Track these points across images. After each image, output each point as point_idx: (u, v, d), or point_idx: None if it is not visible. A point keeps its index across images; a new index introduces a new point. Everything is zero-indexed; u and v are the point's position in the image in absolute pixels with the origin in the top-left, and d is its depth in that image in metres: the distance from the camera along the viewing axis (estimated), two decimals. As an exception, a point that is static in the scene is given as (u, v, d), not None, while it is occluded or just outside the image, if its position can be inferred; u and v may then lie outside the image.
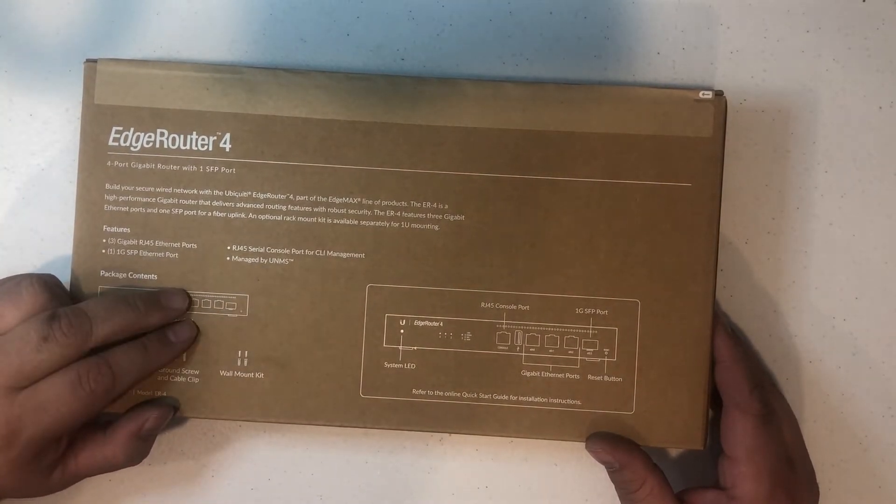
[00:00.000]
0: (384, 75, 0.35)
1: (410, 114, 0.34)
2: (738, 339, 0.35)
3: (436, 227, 0.34)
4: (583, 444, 0.35)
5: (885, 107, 0.37)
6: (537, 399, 0.34)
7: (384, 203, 0.34)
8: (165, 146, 0.34)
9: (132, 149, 0.34)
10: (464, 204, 0.34)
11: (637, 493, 0.33)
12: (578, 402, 0.34)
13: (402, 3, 0.37)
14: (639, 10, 0.37)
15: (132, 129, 0.34)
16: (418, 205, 0.34)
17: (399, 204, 0.34)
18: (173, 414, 0.34)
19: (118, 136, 0.34)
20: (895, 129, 0.37)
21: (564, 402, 0.34)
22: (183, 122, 0.34)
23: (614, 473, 0.34)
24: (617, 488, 0.35)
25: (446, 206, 0.34)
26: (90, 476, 0.33)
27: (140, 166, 0.34)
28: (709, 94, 0.34)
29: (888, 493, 0.37)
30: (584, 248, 0.34)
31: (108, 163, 0.34)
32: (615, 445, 0.34)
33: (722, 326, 0.34)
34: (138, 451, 0.34)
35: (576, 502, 0.37)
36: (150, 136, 0.34)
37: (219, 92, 0.34)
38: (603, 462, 0.34)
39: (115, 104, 0.34)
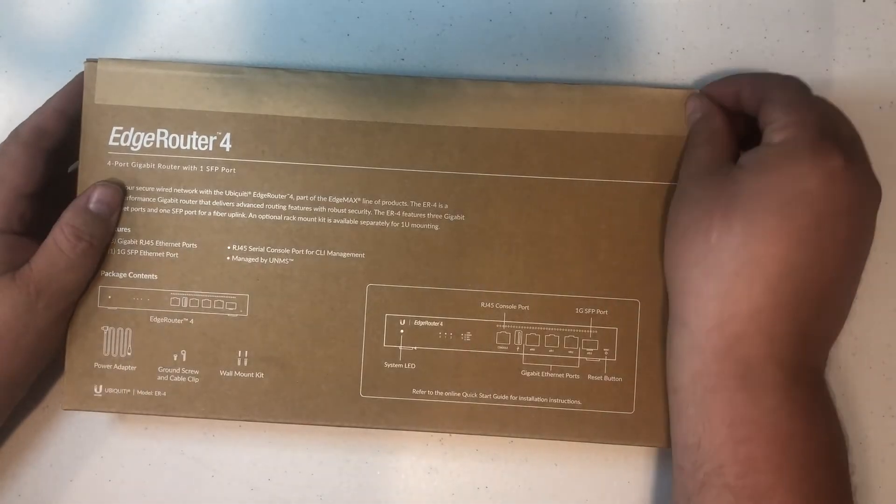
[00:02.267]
0: (384, 75, 0.35)
1: (410, 114, 0.34)
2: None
3: (436, 227, 0.34)
4: (583, 445, 0.35)
5: (885, 107, 0.37)
6: (537, 399, 0.34)
7: (384, 203, 0.34)
8: (166, 146, 0.34)
9: (132, 149, 0.35)
10: (464, 204, 0.34)
11: (720, 129, 0.32)
12: (578, 402, 0.34)
13: (402, 3, 0.37)
14: (639, 10, 0.37)
15: (132, 129, 0.35)
16: (418, 205, 0.34)
17: (399, 204, 0.34)
18: (122, 194, 0.34)
19: (118, 135, 0.34)
20: (895, 129, 0.37)
21: (564, 401, 0.34)
22: (183, 122, 0.34)
23: (708, 120, 0.32)
24: (702, 142, 0.32)
25: (446, 206, 0.34)
26: (48, 282, 0.33)
27: (140, 166, 0.35)
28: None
29: (888, 493, 0.37)
30: (584, 248, 0.34)
31: (109, 163, 0.34)
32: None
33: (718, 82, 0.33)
34: (90, 231, 0.33)
35: (576, 502, 0.37)
36: (150, 136, 0.34)
37: (219, 92, 0.35)
38: (694, 106, 0.33)
39: (115, 104, 0.34)
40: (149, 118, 0.34)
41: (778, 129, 0.29)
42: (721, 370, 0.28)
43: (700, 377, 0.29)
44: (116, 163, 0.35)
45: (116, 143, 0.35)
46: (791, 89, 0.31)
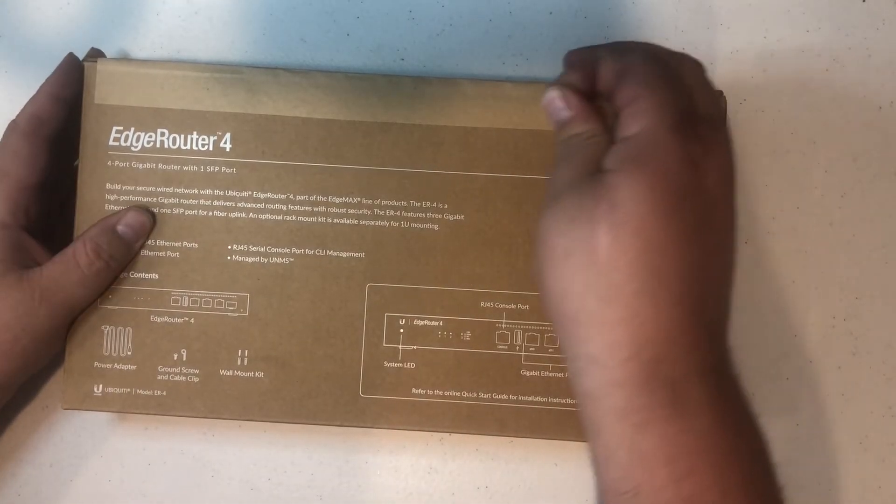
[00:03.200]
0: (384, 75, 0.35)
1: (410, 114, 0.34)
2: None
3: (436, 227, 0.34)
4: (583, 445, 0.35)
5: (885, 107, 0.37)
6: (537, 399, 0.34)
7: (384, 203, 0.34)
8: (166, 146, 0.34)
9: (133, 148, 0.35)
10: (464, 204, 0.34)
11: (578, 137, 0.28)
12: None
13: (402, 3, 0.37)
14: (639, 10, 0.37)
15: (133, 129, 0.35)
16: (418, 204, 0.34)
17: (399, 204, 0.34)
18: (151, 224, 0.34)
19: (118, 135, 0.34)
20: (895, 129, 0.37)
21: (564, 401, 0.34)
22: (183, 122, 0.34)
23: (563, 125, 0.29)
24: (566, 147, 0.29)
25: (446, 206, 0.34)
26: (56, 291, 0.33)
27: (140, 166, 0.35)
28: None
29: (888, 493, 0.37)
30: None
31: (109, 162, 0.34)
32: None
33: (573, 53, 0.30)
34: (111, 252, 0.33)
35: (576, 502, 0.37)
36: (150, 136, 0.34)
37: (219, 92, 0.35)
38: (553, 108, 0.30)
39: (115, 104, 0.34)
40: (149, 118, 0.34)
41: (633, 115, 0.27)
42: (649, 402, 0.25)
43: (626, 415, 0.25)
44: (117, 163, 0.35)
45: (116, 143, 0.35)
46: (644, 61, 0.28)
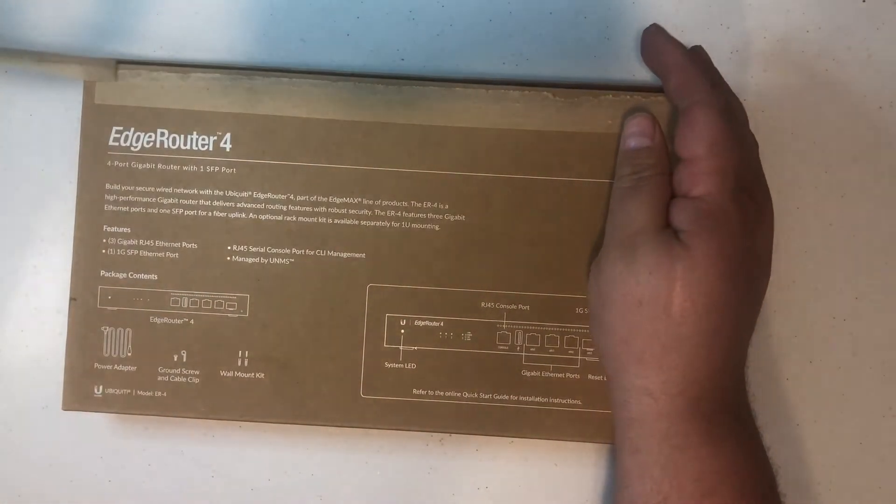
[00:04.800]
0: (385, 76, 0.35)
1: (411, 114, 0.34)
2: (685, 47, 0.33)
3: (436, 227, 0.34)
4: (583, 445, 0.35)
5: (885, 107, 0.37)
6: (537, 399, 0.34)
7: (384, 203, 0.34)
8: (166, 146, 0.34)
9: (132, 149, 0.34)
10: (464, 204, 0.34)
11: (651, 179, 0.31)
12: (579, 402, 0.34)
13: (402, 3, 0.37)
14: (639, 10, 0.37)
15: (132, 129, 0.34)
16: (419, 205, 0.34)
17: (399, 204, 0.34)
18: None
19: (118, 135, 0.34)
20: (895, 129, 0.37)
21: (564, 401, 0.34)
22: (183, 122, 0.34)
23: (637, 153, 0.32)
24: (620, 173, 0.32)
25: (447, 206, 0.34)
26: None
27: (140, 166, 0.34)
28: None
29: (888, 493, 0.37)
30: (584, 248, 0.34)
31: (109, 163, 0.34)
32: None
33: (663, 36, 0.33)
34: None
35: (576, 502, 0.37)
36: (150, 136, 0.34)
37: (219, 92, 0.34)
38: (635, 132, 0.33)
39: (115, 104, 0.34)
40: (149, 118, 0.34)
41: (697, 174, 0.30)
42: (688, 429, 0.29)
43: (668, 438, 0.29)
44: (116, 163, 0.34)
45: (116, 143, 0.34)
46: (715, 111, 0.30)
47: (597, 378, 0.34)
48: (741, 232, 0.29)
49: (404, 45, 0.37)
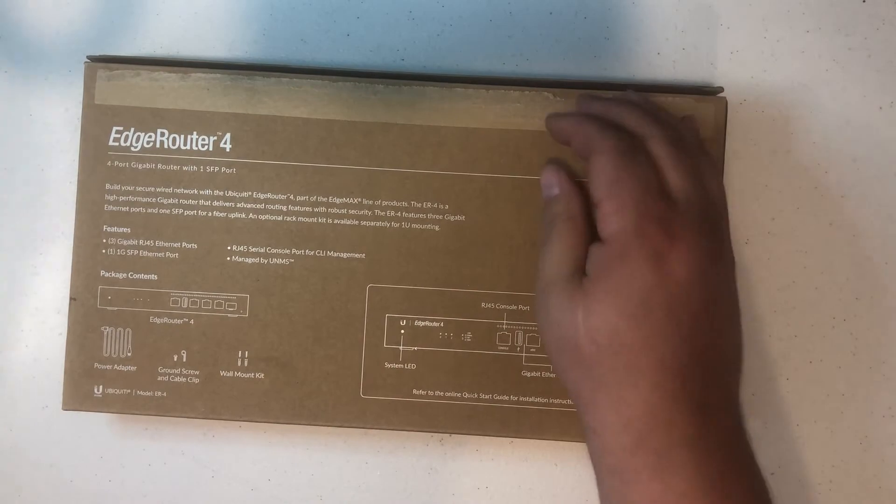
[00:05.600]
0: (385, 76, 0.35)
1: (411, 114, 0.34)
2: (578, 113, 0.33)
3: (436, 228, 0.34)
4: (583, 445, 0.35)
5: (885, 107, 0.37)
6: (537, 399, 0.34)
7: (384, 203, 0.34)
8: (166, 146, 0.34)
9: (132, 149, 0.34)
10: (464, 204, 0.34)
11: (574, 220, 0.31)
12: None
13: (402, 3, 0.37)
14: (639, 10, 0.37)
15: (132, 129, 0.34)
16: (418, 205, 0.34)
17: (399, 204, 0.34)
18: None
19: (118, 136, 0.34)
20: (895, 129, 0.37)
21: (564, 401, 0.34)
22: (183, 122, 0.34)
23: (550, 201, 0.32)
24: (553, 222, 0.32)
25: (447, 207, 0.34)
26: None
27: (140, 166, 0.34)
28: (710, 96, 0.34)
29: (888, 493, 0.37)
30: None
31: (109, 163, 0.34)
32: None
33: (555, 116, 0.33)
34: None
35: (576, 502, 0.37)
36: (150, 136, 0.34)
37: (219, 92, 0.34)
38: (544, 181, 0.33)
39: (115, 104, 0.34)
40: (149, 118, 0.34)
41: (603, 218, 0.30)
42: (636, 465, 0.29)
43: (616, 473, 0.29)
44: (116, 163, 0.34)
45: (116, 143, 0.34)
46: (607, 155, 0.30)
47: None
48: (645, 267, 0.29)
49: (404, 45, 0.37)
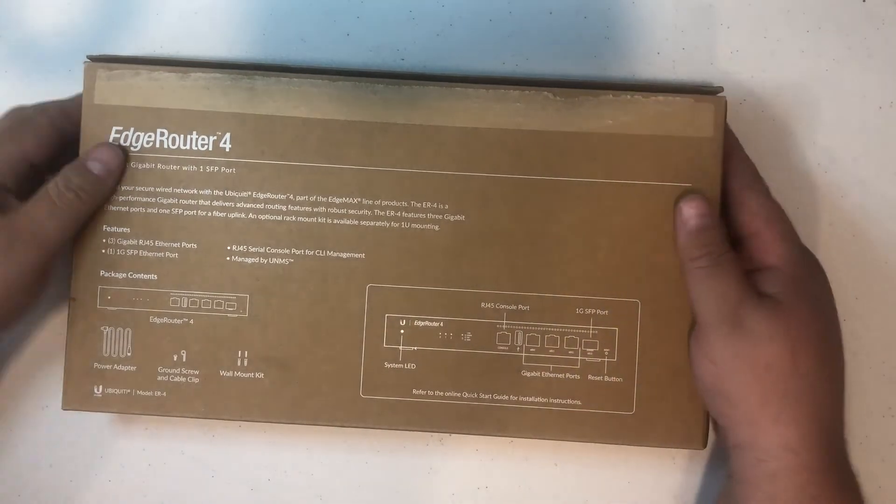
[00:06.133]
0: (385, 75, 0.35)
1: (411, 114, 0.34)
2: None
3: (436, 227, 0.34)
4: (583, 445, 0.35)
5: (885, 107, 0.37)
6: (537, 399, 0.34)
7: (384, 203, 0.34)
8: (165, 146, 0.34)
9: (132, 148, 0.34)
10: (464, 204, 0.34)
11: (727, 254, 0.32)
12: (578, 402, 0.34)
13: (402, 3, 0.37)
14: (639, 10, 0.37)
15: (132, 129, 0.34)
16: (418, 205, 0.34)
17: (399, 204, 0.34)
18: (123, 160, 0.34)
19: (118, 135, 0.34)
20: (895, 129, 0.37)
21: (564, 402, 0.34)
22: (183, 121, 0.34)
23: (707, 232, 0.33)
24: (701, 258, 0.33)
25: (446, 206, 0.34)
26: (28, 223, 0.32)
27: (140, 166, 0.34)
28: (710, 96, 0.34)
29: (888, 493, 0.37)
30: (584, 248, 0.34)
31: None
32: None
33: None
34: (79, 183, 0.33)
35: (576, 502, 0.37)
36: (150, 136, 0.34)
37: (219, 92, 0.34)
38: (695, 211, 0.33)
39: (115, 104, 0.34)
40: (149, 118, 0.34)
41: (763, 246, 0.33)
42: (823, 480, 0.31)
43: (804, 489, 0.31)
44: None
45: (116, 143, 0.34)
46: (762, 194, 0.33)
47: (597, 378, 0.34)
48: (819, 282, 0.33)
49: (404, 45, 0.37)
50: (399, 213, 0.34)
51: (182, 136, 0.34)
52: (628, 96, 0.34)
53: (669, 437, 0.34)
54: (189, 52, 0.37)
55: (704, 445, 0.34)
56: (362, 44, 0.37)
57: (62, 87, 0.37)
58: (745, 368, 0.31)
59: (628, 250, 0.34)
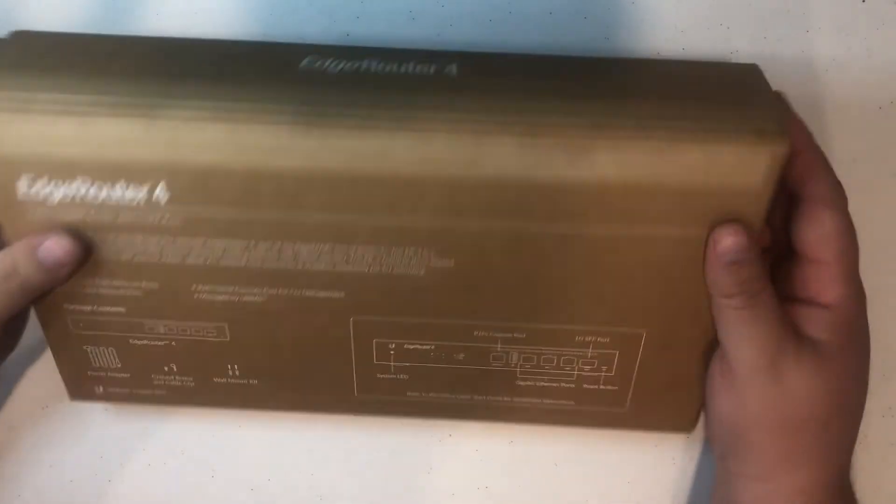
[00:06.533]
0: (353, 118, 0.28)
1: (383, 163, 0.28)
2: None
3: (421, 272, 0.30)
4: (583, 445, 0.35)
5: (886, 106, 0.36)
6: (532, 400, 0.33)
7: (360, 249, 0.29)
8: (91, 197, 0.28)
9: (51, 201, 0.28)
10: (452, 250, 0.29)
11: (763, 294, 0.29)
12: (572, 402, 0.33)
13: (402, 3, 0.37)
14: (639, 9, 0.37)
15: (47, 179, 0.28)
16: (399, 251, 0.29)
17: (377, 250, 0.29)
18: (81, 252, 0.29)
19: (30, 187, 0.28)
20: (895, 129, 0.37)
21: (558, 402, 0.33)
22: (105, 171, 0.28)
23: (741, 269, 0.28)
24: (734, 296, 0.29)
25: (432, 253, 0.30)
26: None
27: (67, 217, 0.29)
28: (767, 139, 0.27)
29: (888, 493, 0.37)
30: (588, 291, 0.30)
31: (28, 216, 0.29)
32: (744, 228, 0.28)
33: (797, 119, 0.30)
34: (26, 274, 0.29)
35: (576, 502, 0.37)
36: (69, 187, 0.28)
37: (133, 140, 0.28)
38: (734, 246, 0.28)
39: (19, 152, 0.28)
40: (63, 167, 0.28)
41: (830, 280, 0.30)
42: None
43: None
44: (37, 215, 0.29)
45: (29, 196, 0.29)
46: (842, 220, 0.29)
47: (592, 387, 0.33)
48: (864, 321, 0.31)
49: (404, 45, 0.37)
50: (378, 259, 0.30)
51: (107, 187, 0.28)
52: (655, 142, 0.27)
53: (660, 424, 0.34)
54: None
55: (692, 429, 0.34)
56: (362, 43, 0.37)
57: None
58: (775, 422, 0.30)
59: (638, 292, 0.30)
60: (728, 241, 0.28)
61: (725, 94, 0.28)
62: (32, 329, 0.37)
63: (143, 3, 0.36)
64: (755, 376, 0.29)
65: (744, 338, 0.29)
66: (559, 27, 0.36)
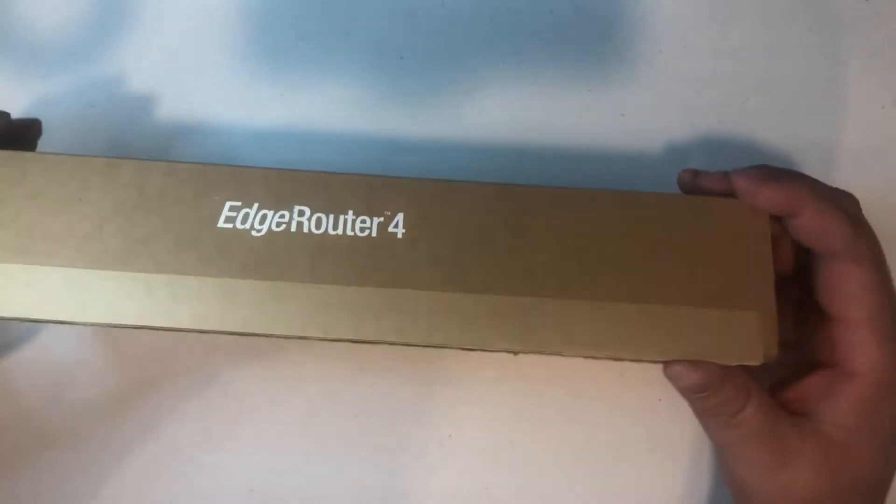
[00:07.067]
0: (295, 279, 0.27)
1: (358, 328, 0.26)
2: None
3: None
4: (582, 446, 0.35)
5: (888, 105, 0.36)
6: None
7: None
8: None
9: None
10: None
11: (742, 413, 0.26)
12: None
13: (402, 3, 0.37)
14: (639, 9, 0.37)
15: None
16: None
17: None
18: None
19: None
20: (896, 128, 0.36)
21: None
22: None
23: (707, 399, 0.26)
24: (709, 419, 0.27)
25: None
26: None
27: None
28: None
29: (888, 493, 0.37)
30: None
31: None
32: (703, 364, 0.26)
33: (787, 178, 0.27)
34: None
35: (576, 502, 0.37)
36: None
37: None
38: (692, 386, 0.26)
39: None
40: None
41: (860, 344, 0.26)
42: None
43: None
44: None
45: None
46: (870, 268, 0.26)
47: None
48: None
49: (404, 45, 0.37)
50: None
51: None
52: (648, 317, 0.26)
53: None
54: (188, 52, 0.37)
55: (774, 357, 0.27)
56: (362, 43, 0.37)
57: (62, 87, 0.37)
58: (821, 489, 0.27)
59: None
60: (682, 382, 0.26)
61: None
62: (32, 329, 0.37)
63: (143, 3, 0.36)
64: (756, 487, 0.27)
65: (737, 458, 0.28)
66: (559, 26, 0.36)
